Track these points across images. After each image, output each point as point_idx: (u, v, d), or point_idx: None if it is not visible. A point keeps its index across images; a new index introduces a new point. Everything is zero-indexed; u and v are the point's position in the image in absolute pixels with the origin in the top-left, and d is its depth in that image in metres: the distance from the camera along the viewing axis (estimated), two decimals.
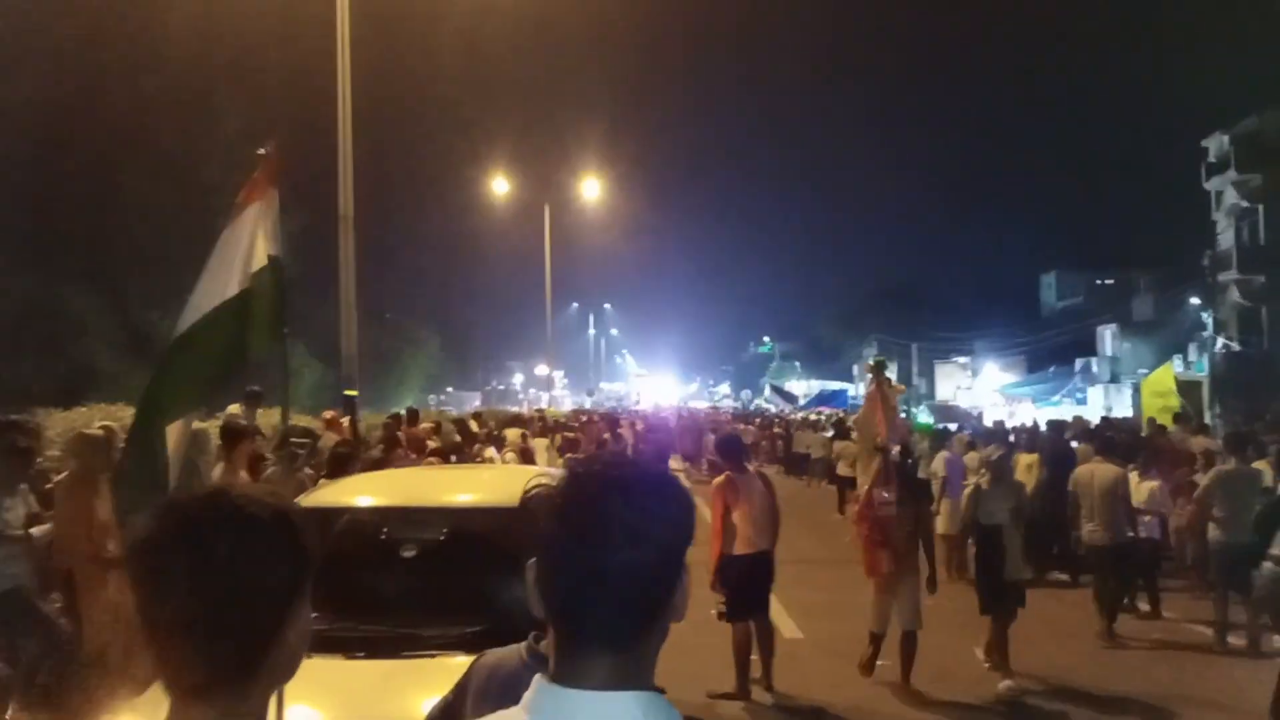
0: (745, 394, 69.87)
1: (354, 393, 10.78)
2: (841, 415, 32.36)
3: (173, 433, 4.91)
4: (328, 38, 10.99)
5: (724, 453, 7.52)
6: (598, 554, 1.06)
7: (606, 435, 20.80)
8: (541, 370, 44.57)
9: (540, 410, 27.71)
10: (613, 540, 1.06)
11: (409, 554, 4.04)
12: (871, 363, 8.51)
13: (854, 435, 12.75)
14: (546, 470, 7.12)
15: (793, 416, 35.34)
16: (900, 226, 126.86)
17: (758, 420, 35.47)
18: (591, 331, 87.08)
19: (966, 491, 7.77)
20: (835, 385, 56.50)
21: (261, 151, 5.53)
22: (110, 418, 7.55)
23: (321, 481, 6.00)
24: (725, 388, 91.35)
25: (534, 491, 3.72)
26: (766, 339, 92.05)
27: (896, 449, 7.34)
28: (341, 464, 6.40)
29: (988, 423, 22.91)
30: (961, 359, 53.39)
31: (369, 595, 3.99)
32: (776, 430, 29.44)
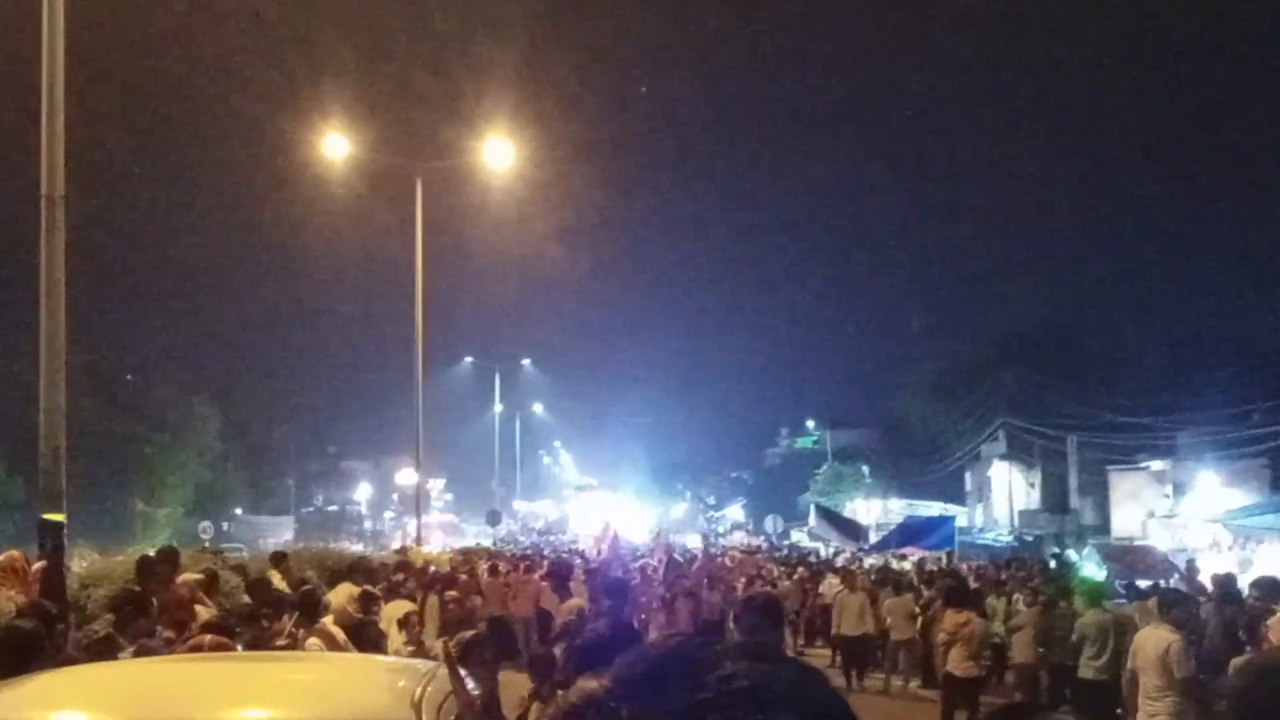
0: (772, 521, 69.72)
1: (59, 517, 10.61)
2: (946, 560, 32.46)
3: None
4: None
5: (751, 629, 7.37)
6: None
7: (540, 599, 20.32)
8: (406, 477, 44.30)
9: (403, 550, 27.50)
10: None
11: None
12: None
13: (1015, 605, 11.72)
14: (410, 663, 6.99)
15: (857, 565, 35.36)
16: (1041, 244, 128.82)
17: (799, 569, 35.37)
18: (498, 408, 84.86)
19: None
20: (932, 508, 56.83)
21: None
22: None
23: None
24: (737, 510, 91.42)
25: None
26: (810, 424, 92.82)
27: None
28: (22, 651, 6.29)
29: (1204, 577, 23.01)
30: (1157, 464, 53.77)
31: None
32: (824, 590, 29.35)
